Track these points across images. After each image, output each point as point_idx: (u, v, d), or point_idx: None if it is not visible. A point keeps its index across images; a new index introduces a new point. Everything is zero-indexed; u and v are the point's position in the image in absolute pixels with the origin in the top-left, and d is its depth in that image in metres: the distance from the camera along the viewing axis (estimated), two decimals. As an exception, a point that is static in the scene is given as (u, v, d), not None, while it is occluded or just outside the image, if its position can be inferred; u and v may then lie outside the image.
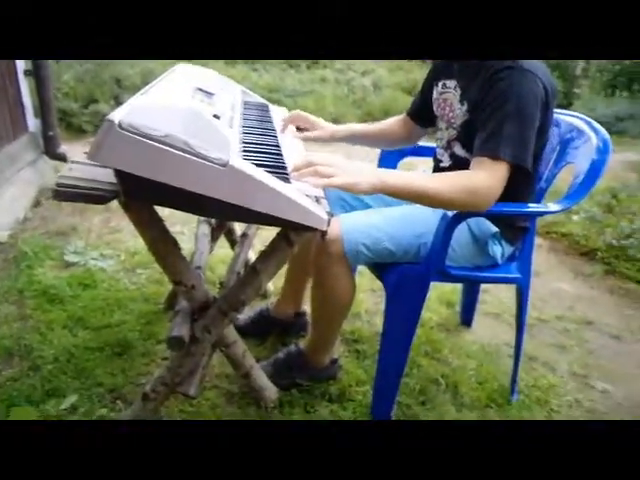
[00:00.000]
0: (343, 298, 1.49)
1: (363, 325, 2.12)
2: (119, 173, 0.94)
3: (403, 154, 1.83)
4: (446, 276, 1.45)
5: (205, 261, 1.78)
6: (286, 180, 1.07)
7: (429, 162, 1.71)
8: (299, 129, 1.62)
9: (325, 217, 1.02)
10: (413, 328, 1.46)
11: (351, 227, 1.38)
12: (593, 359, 2.11)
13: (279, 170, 1.14)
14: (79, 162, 1.23)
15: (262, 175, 0.99)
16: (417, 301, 1.42)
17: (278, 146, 1.34)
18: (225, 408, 1.64)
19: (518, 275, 1.57)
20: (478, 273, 1.51)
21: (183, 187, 0.95)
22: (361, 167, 1.17)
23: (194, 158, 0.94)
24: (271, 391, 1.63)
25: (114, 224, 2.88)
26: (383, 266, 1.46)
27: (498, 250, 1.51)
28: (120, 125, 0.91)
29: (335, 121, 5.35)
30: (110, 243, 2.66)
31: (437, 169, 1.54)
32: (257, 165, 1.10)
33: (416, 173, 1.25)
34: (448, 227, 1.33)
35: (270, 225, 1.05)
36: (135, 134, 0.91)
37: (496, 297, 2.45)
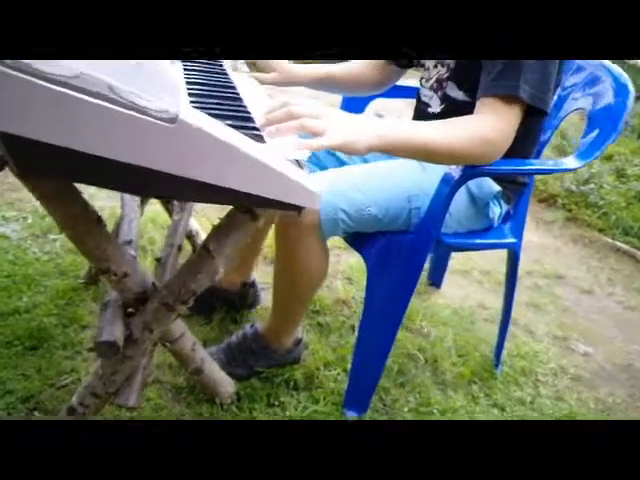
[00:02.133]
0: (316, 275, 1.22)
1: (322, 291, 1.85)
2: (2, 137, 0.60)
3: (370, 97, 1.53)
4: (439, 245, 1.20)
5: (137, 232, 1.44)
6: (258, 139, 0.76)
7: (405, 105, 1.43)
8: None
9: (317, 191, 0.72)
10: (403, 310, 1.21)
11: (327, 190, 1.09)
12: (569, 317, 1.98)
13: (245, 124, 0.82)
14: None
15: (230, 134, 0.68)
16: (409, 277, 1.17)
17: (234, 88, 1.01)
18: (172, 409, 1.35)
19: (514, 240, 1.34)
20: (472, 240, 1.27)
21: (107, 156, 0.63)
22: (354, 119, 0.87)
23: (123, 110, 0.61)
24: (227, 385, 1.36)
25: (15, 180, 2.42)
26: (363, 235, 1.18)
27: (497, 211, 1.27)
28: None
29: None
30: (13, 203, 2.20)
31: (423, 115, 1.25)
32: (215, 117, 0.78)
33: (415, 123, 0.97)
34: (452, 190, 1.06)
35: (240, 205, 0.75)
36: (22, 72, 0.57)
37: (463, 252, 2.26)
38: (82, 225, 0.96)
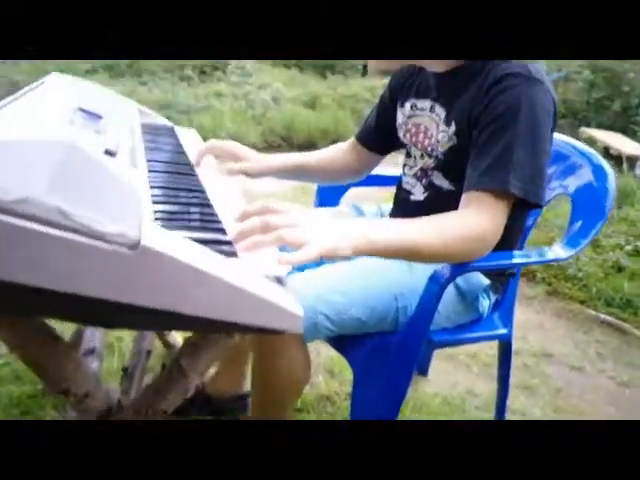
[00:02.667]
0: (297, 382, 1.12)
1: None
2: None
3: (347, 185, 1.49)
4: (427, 343, 1.12)
5: (101, 338, 1.33)
6: (230, 254, 0.69)
7: (382, 193, 1.38)
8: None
9: (300, 313, 0.64)
10: (394, 416, 1.11)
11: (306, 293, 1.01)
12: (563, 399, 1.89)
13: (215, 236, 0.75)
14: None
15: (198, 256, 0.60)
16: (399, 381, 1.08)
17: (204, 192, 0.94)
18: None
19: (504, 330, 1.27)
20: (462, 335, 1.20)
21: (60, 290, 0.54)
22: (336, 222, 0.81)
23: (76, 237, 0.54)
24: None
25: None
26: (347, 338, 1.10)
27: (486, 303, 1.20)
28: None
29: (235, 139, 4.95)
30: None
31: (405, 203, 1.20)
32: (181, 229, 0.71)
33: (402, 222, 0.91)
34: (442, 288, 1.00)
35: (216, 332, 0.67)
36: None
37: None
38: (35, 346, 0.86)
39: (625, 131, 6.39)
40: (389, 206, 1.33)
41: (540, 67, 0.99)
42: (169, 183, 0.93)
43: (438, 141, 1.08)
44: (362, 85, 6.89)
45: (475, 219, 0.92)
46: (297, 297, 0.68)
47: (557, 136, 1.30)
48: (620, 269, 2.67)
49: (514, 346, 2.10)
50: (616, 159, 4.73)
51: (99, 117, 1.12)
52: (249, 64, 6.88)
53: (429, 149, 1.12)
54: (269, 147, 4.81)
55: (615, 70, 6.86)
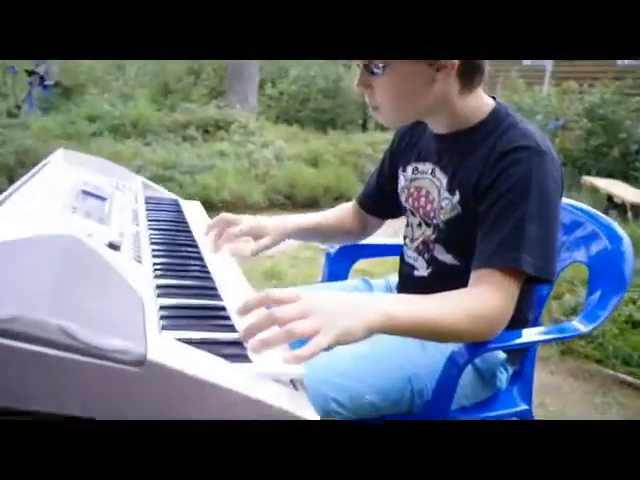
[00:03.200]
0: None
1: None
2: None
3: (355, 255, 1.46)
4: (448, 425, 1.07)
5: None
6: (239, 358, 0.65)
7: (388, 266, 1.36)
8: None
9: (313, 416, 0.60)
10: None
11: (314, 378, 0.96)
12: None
13: (222, 334, 0.71)
14: None
15: (207, 367, 0.57)
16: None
17: (210, 278, 0.92)
18: None
19: (525, 406, 1.22)
20: (480, 414, 1.14)
21: (65, 414, 0.51)
22: (345, 299, 0.78)
23: (79, 358, 0.51)
24: None
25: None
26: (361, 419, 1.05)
27: (504, 377, 1.15)
28: None
29: (239, 198, 4.99)
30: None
31: (410, 279, 1.17)
32: (189, 328, 0.68)
33: (418, 299, 0.88)
34: (460, 371, 0.96)
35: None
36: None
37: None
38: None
39: (626, 177, 6.43)
40: (396, 278, 1.30)
41: (544, 136, 0.98)
42: (173, 273, 0.90)
43: (442, 207, 1.06)
44: (363, 140, 6.99)
45: (487, 298, 0.89)
46: (306, 383, 0.64)
47: (565, 201, 1.28)
48: (635, 324, 2.61)
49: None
50: (620, 208, 4.73)
51: (103, 199, 1.11)
52: (251, 123, 7.00)
53: (430, 215, 1.09)
54: (272, 205, 4.83)
55: (611, 118, 6.95)
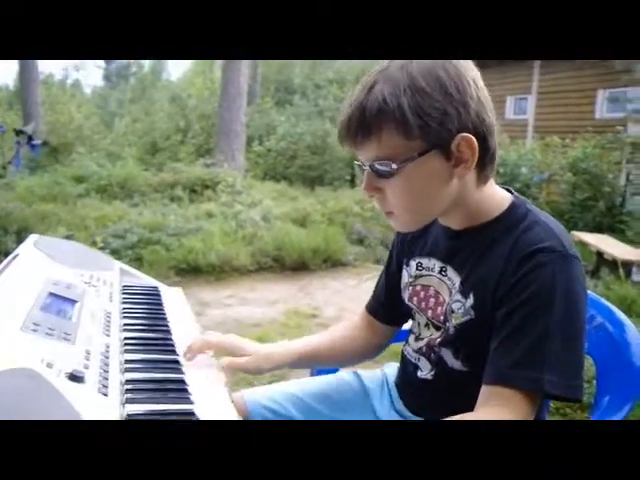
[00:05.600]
0: None
1: None
2: None
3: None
4: None
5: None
6: None
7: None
8: None
9: None
10: None
11: None
12: None
13: None
14: None
15: None
16: None
17: (190, 400, 0.83)
18: None
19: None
20: None
21: None
22: None
23: None
24: None
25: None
26: None
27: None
28: None
29: (225, 261, 4.91)
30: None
31: (412, 379, 1.06)
32: None
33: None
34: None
35: None
36: None
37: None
38: None
39: (612, 229, 6.46)
40: (392, 370, 1.22)
41: (569, 236, 0.91)
42: (148, 395, 0.82)
43: (453, 311, 0.96)
44: (351, 198, 6.99)
45: (499, 420, 0.80)
46: None
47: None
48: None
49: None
50: (610, 264, 4.70)
51: (73, 302, 1.03)
52: (239, 181, 7.01)
53: (441, 318, 0.99)
54: (260, 268, 4.76)
55: (594, 172, 7.04)
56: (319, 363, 1.20)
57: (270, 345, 1.10)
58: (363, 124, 0.84)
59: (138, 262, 4.31)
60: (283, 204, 6.55)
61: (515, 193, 0.97)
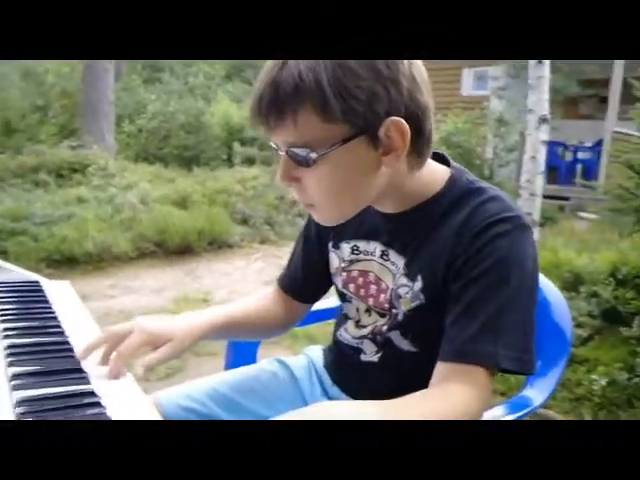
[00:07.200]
0: None
1: None
2: None
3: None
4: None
5: None
6: None
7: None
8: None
9: None
10: None
11: None
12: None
13: None
14: None
15: None
16: None
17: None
18: None
19: None
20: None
21: None
22: None
23: None
24: None
25: None
26: None
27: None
28: None
29: (103, 248, 4.55)
30: None
31: (353, 363, 0.98)
32: None
33: (389, 403, 0.72)
34: None
35: None
36: None
37: None
38: None
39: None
40: (317, 352, 1.14)
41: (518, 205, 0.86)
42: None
43: (400, 297, 0.89)
44: (231, 177, 6.79)
45: (462, 399, 0.74)
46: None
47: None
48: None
49: None
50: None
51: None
52: (111, 164, 6.56)
53: (385, 305, 0.92)
54: (142, 255, 4.49)
55: (466, 146, 7.43)
56: (235, 334, 1.08)
57: (185, 318, 0.96)
58: (276, 104, 0.72)
59: (2, 256, 3.88)
60: (160, 186, 6.21)
61: (452, 163, 0.91)
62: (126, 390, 0.80)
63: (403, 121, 0.75)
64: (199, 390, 1.05)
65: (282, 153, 0.78)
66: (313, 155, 0.74)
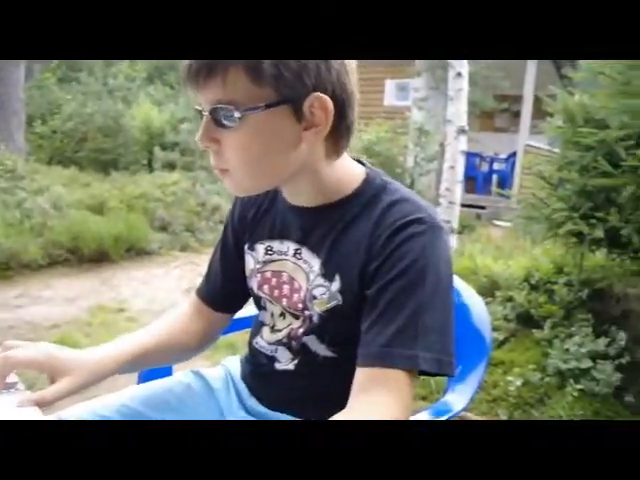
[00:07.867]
0: None
1: None
2: None
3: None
4: None
5: None
6: None
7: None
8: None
9: None
10: None
11: None
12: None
13: None
14: None
15: None
16: None
17: None
18: None
19: None
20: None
21: None
22: None
23: None
24: None
25: None
26: None
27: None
28: None
29: (11, 257, 4.26)
30: None
31: (267, 373, 0.95)
32: None
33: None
34: None
35: None
36: None
37: None
38: None
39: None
40: (234, 363, 1.09)
41: (433, 207, 0.86)
42: None
43: (315, 297, 0.87)
44: (151, 182, 6.58)
45: (384, 407, 0.72)
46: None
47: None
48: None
49: None
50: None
51: None
52: (20, 166, 6.19)
53: (299, 306, 0.90)
54: (54, 262, 4.25)
55: (387, 155, 7.57)
56: (150, 364, 1.02)
57: (92, 352, 0.90)
58: (209, 61, 0.73)
59: None
60: (75, 190, 5.92)
61: (368, 165, 0.91)
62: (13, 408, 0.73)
63: (328, 99, 0.76)
64: (108, 407, 0.98)
65: (205, 113, 0.77)
66: (236, 115, 0.74)
